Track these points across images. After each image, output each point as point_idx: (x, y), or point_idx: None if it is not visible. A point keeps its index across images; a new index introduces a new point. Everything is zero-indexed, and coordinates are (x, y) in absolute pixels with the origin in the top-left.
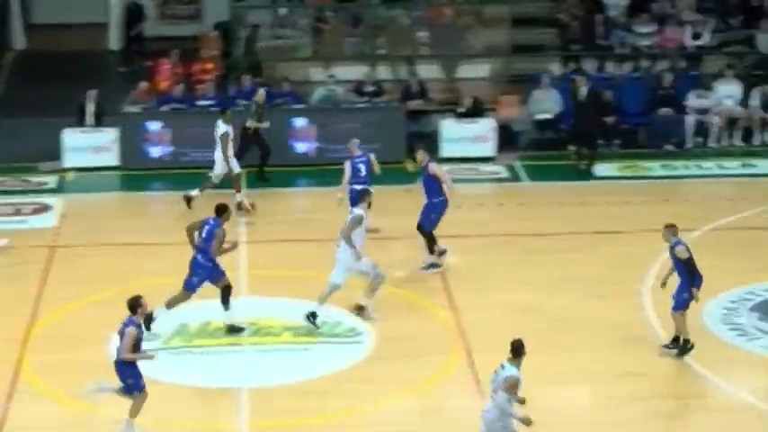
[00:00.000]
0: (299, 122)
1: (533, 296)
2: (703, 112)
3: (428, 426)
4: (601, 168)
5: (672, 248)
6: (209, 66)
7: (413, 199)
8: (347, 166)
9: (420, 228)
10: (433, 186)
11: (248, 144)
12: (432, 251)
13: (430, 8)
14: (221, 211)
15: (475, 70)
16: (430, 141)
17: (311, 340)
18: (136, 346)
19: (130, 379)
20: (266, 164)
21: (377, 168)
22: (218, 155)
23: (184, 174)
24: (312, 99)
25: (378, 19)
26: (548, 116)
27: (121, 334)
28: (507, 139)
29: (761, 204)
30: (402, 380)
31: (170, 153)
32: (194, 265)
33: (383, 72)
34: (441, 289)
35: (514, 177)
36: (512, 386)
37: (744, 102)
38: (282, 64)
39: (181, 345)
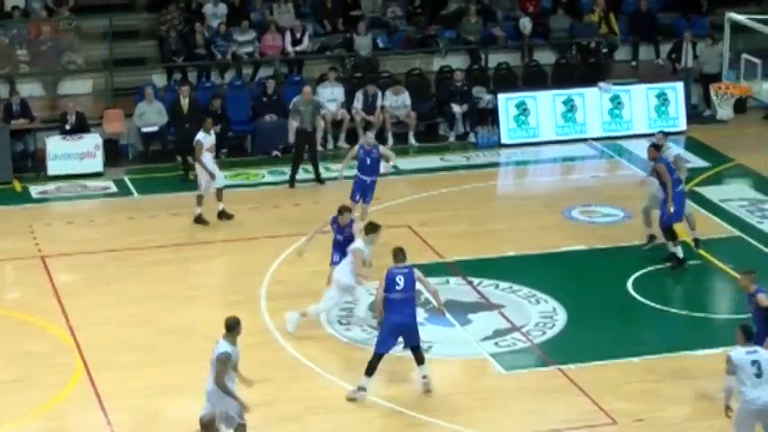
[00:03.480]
0: None
1: (151, 310)
2: None
3: None
4: None
5: (752, 296)
6: None
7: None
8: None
9: None
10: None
11: None
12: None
13: (29, 24)
14: None
15: (77, 86)
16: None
17: None
18: None
19: None
20: None
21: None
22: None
23: None
24: None
25: None
26: (154, 128)
27: None
28: (114, 153)
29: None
30: (24, 403)
31: None
32: None
33: None
34: (56, 309)
35: (124, 192)
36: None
37: (347, 104)
38: None
39: None
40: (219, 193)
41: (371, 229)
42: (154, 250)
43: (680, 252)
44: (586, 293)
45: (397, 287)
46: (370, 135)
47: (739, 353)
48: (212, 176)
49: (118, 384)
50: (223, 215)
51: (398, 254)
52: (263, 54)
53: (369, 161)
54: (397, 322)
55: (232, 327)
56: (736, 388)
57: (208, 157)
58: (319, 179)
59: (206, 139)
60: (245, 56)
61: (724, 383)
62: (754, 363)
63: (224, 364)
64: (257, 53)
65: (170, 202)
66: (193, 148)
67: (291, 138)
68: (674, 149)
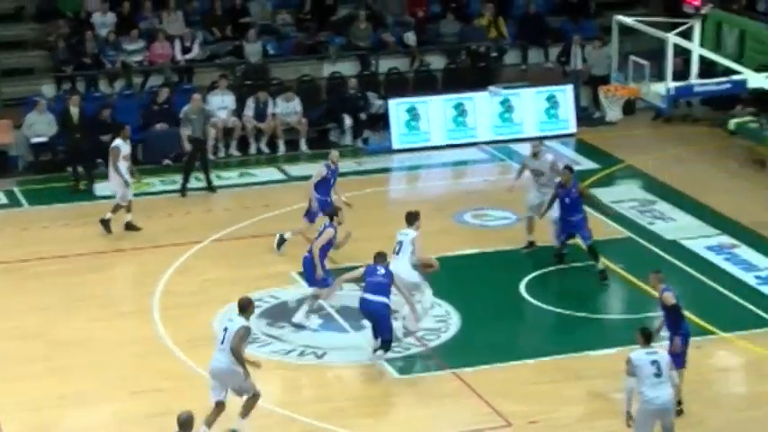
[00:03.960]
0: None
1: (43, 321)
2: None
3: None
4: (101, 187)
5: (660, 295)
6: None
7: None
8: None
9: None
10: None
11: None
12: None
13: None
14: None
15: None
16: None
17: None
18: None
19: None
20: None
21: None
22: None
23: None
24: None
25: None
26: (43, 139)
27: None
28: (4, 164)
29: (258, 213)
30: None
31: None
32: None
33: None
34: None
35: (14, 203)
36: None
37: (238, 111)
38: None
39: None
40: (129, 204)
41: (415, 217)
42: (45, 261)
43: (601, 265)
44: (479, 297)
45: (378, 272)
46: (336, 153)
47: (639, 353)
48: (127, 184)
49: (9, 397)
50: (131, 227)
51: (377, 257)
52: (153, 63)
53: (333, 181)
54: (364, 300)
55: (245, 306)
56: (636, 389)
57: (124, 166)
58: (211, 187)
59: (123, 146)
60: (134, 65)
61: (625, 385)
62: (654, 363)
63: (245, 337)
64: (147, 62)
65: (61, 213)
66: (87, 156)
67: (187, 147)
68: (549, 155)
